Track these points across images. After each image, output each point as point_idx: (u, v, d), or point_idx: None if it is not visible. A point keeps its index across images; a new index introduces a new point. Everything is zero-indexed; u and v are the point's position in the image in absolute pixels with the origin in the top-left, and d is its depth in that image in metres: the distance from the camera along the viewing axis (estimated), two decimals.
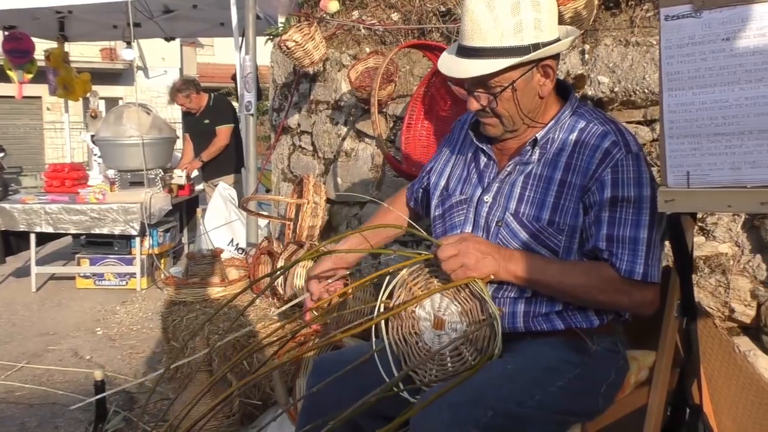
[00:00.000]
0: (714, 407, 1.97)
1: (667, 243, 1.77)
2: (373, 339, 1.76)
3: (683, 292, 1.72)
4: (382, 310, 1.73)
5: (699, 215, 2.24)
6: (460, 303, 1.61)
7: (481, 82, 1.65)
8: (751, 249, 2.22)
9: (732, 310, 2.23)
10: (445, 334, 1.62)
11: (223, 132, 6.24)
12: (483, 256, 1.57)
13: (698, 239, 2.28)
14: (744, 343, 2.22)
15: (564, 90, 1.79)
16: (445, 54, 1.76)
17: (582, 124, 1.70)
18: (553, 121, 1.72)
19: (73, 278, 6.05)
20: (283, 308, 1.83)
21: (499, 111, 1.69)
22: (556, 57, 1.69)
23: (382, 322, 1.73)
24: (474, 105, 1.71)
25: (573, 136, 1.69)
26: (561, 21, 2.19)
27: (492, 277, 1.59)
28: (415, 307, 1.67)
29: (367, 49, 3.49)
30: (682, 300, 1.72)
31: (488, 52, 1.61)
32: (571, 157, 1.68)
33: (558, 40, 1.65)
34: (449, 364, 1.61)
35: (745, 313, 2.21)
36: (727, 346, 1.97)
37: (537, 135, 1.72)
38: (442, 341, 1.63)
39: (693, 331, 1.72)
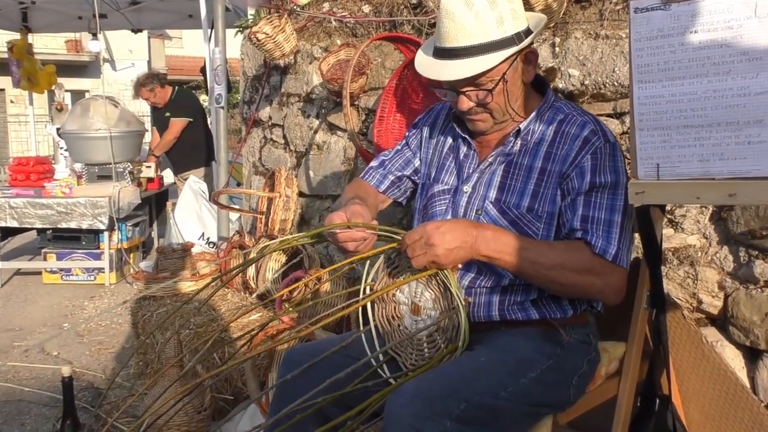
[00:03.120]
0: (682, 397, 2.00)
1: (636, 235, 1.79)
2: (361, 321, 1.79)
3: (653, 284, 1.74)
4: (367, 292, 1.76)
5: (668, 207, 2.26)
6: (432, 290, 1.62)
7: (473, 80, 1.65)
8: (718, 241, 2.25)
9: (700, 302, 2.26)
10: (421, 319, 1.64)
11: (175, 125, 6.18)
12: (449, 251, 1.53)
13: (667, 231, 2.30)
14: (711, 333, 2.25)
15: (541, 84, 1.83)
16: (423, 58, 1.74)
17: (561, 116, 1.74)
18: (534, 113, 1.75)
19: (39, 273, 5.93)
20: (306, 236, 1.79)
21: (491, 106, 1.70)
22: (532, 44, 1.72)
23: (368, 305, 1.75)
24: (466, 104, 1.71)
25: (553, 127, 1.73)
26: None
27: (460, 266, 1.60)
28: (396, 291, 1.69)
29: (339, 42, 3.47)
30: (652, 291, 1.74)
31: (477, 49, 1.62)
32: (552, 147, 1.71)
33: (528, 27, 1.68)
34: (426, 350, 1.63)
35: (713, 304, 2.24)
36: (695, 337, 2.00)
37: (520, 126, 1.74)
38: (419, 326, 1.64)
39: (662, 322, 1.74)
